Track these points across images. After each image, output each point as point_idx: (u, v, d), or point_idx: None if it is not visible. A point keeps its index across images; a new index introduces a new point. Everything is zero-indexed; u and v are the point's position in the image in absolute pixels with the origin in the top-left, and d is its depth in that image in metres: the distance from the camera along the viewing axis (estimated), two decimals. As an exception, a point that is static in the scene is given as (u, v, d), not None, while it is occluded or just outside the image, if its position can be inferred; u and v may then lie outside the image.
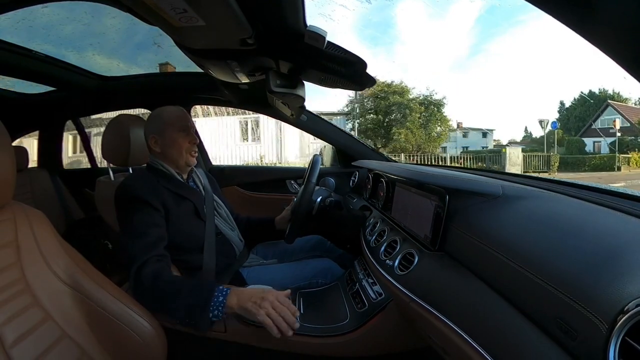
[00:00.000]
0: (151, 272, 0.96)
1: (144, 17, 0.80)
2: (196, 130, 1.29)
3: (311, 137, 2.16)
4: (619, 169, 14.55)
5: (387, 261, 0.99)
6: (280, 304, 0.90)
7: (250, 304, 0.90)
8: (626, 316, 0.40)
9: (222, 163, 6.17)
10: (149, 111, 2.12)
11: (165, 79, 1.99)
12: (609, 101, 21.39)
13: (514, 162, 13.60)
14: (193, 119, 1.33)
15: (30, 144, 2.92)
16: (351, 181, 1.91)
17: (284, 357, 1.02)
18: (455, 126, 21.08)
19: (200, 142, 2.20)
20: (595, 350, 0.42)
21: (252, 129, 13.59)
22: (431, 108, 15.64)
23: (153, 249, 1.01)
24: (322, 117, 2.05)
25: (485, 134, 23.28)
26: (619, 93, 24.35)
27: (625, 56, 0.39)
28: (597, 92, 25.22)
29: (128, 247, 1.02)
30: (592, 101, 22.91)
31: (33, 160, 2.37)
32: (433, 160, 13.47)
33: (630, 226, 0.56)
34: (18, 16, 1.22)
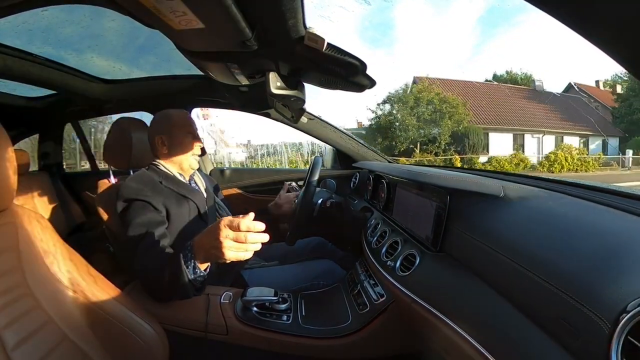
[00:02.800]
0: (150, 265, 0.99)
1: (143, 20, 0.80)
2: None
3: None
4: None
5: (389, 262, 0.99)
6: (237, 232, 0.80)
7: (213, 254, 0.83)
8: (628, 315, 0.40)
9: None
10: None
11: (166, 82, 1.99)
12: (414, 76, 18.10)
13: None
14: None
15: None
16: (352, 182, 1.91)
17: (285, 359, 1.02)
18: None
19: (201, 144, 2.20)
20: (597, 350, 0.42)
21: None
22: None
23: (154, 248, 1.02)
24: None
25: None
26: (530, 76, 22.88)
27: (626, 55, 0.39)
28: (504, 74, 23.83)
29: (130, 247, 1.02)
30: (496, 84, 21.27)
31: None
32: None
33: (632, 225, 0.56)
34: (18, 20, 1.22)
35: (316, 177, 1.31)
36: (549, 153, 16.44)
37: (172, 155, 1.24)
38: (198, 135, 1.28)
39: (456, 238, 0.80)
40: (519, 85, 21.31)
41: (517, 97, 19.40)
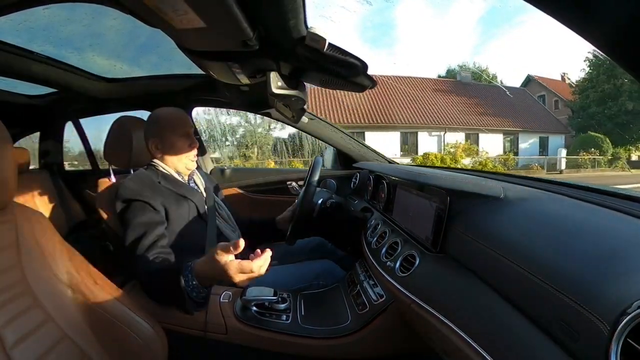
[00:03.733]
0: (150, 270, 0.99)
1: (145, 19, 0.80)
2: (197, 131, 1.29)
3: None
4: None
5: (389, 263, 0.99)
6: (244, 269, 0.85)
7: (221, 280, 0.88)
8: (628, 317, 0.40)
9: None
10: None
11: (167, 81, 1.99)
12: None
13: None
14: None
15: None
16: (352, 183, 1.91)
17: (284, 359, 1.02)
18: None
19: (202, 143, 2.21)
20: (597, 352, 0.42)
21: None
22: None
23: (153, 249, 1.02)
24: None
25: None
26: (486, 68, 22.25)
27: (626, 57, 0.39)
28: (455, 67, 22.75)
29: (129, 248, 1.02)
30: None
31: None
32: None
33: (631, 227, 0.56)
34: (19, 18, 1.22)
35: (316, 177, 1.31)
36: (421, 155, 13.84)
37: (167, 158, 1.24)
38: (192, 136, 1.26)
39: (456, 239, 0.80)
40: (439, 78, 19.32)
41: (428, 90, 16.83)
